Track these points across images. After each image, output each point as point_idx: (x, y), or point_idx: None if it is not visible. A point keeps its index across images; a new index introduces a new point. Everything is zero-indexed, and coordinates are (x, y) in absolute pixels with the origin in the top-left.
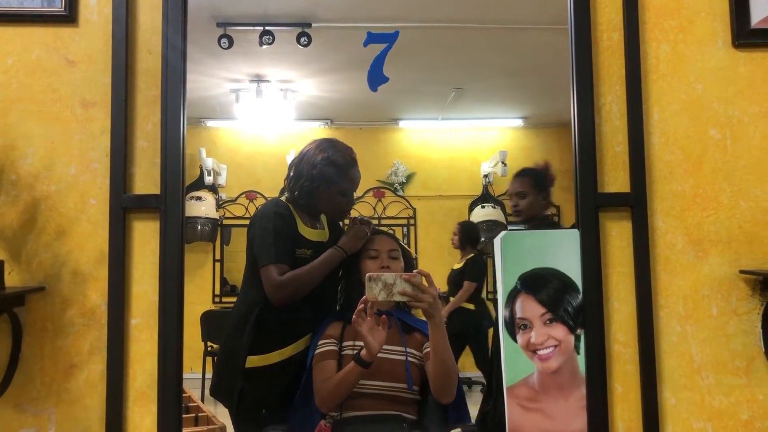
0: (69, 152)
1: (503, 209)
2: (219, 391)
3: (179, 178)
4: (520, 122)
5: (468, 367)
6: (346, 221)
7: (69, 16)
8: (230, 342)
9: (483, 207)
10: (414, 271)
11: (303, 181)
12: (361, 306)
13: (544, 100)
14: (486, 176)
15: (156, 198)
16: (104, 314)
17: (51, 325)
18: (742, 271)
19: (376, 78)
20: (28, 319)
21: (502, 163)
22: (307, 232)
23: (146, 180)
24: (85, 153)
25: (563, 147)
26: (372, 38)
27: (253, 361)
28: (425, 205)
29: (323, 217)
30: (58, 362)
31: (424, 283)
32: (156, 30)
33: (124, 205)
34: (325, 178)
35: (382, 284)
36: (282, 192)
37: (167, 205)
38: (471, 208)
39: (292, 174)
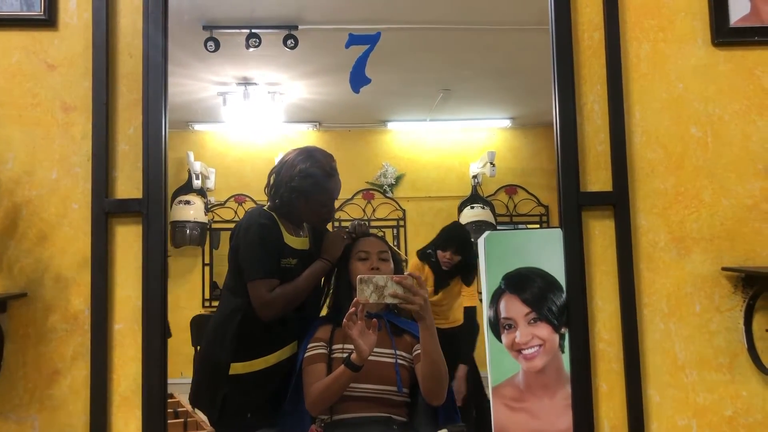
0: (50, 157)
1: (492, 210)
2: (199, 399)
3: (162, 181)
4: (508, 123)
5: None
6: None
7: (48, 20)
8: (211, 349)
9: (472, 208)
10: (405, 273)
11: (282, 191)
12: (352, 309)
13: (531, 101)
14: (475, 177)
15: (138, 202)
16: (87, 319)
17: (33, 331)
18: (724, 269)
19: (358, 79)
20: (9, 326)
21: (491, 163)
22: (291, 240)
23: (128, 184)
24: (66, 157)
25: (551, 146)
26: (354, 40)
27: (237, 368)
28: (414, 207)
29: (306, 224)
30: (40, 368)
31: (415, 285)
32: (137, 33)
33: (107, 210)
34: (303, 189)
35: (373, 286)
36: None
37: (150, 208)
38: (460, 209)
39: (272, 182)
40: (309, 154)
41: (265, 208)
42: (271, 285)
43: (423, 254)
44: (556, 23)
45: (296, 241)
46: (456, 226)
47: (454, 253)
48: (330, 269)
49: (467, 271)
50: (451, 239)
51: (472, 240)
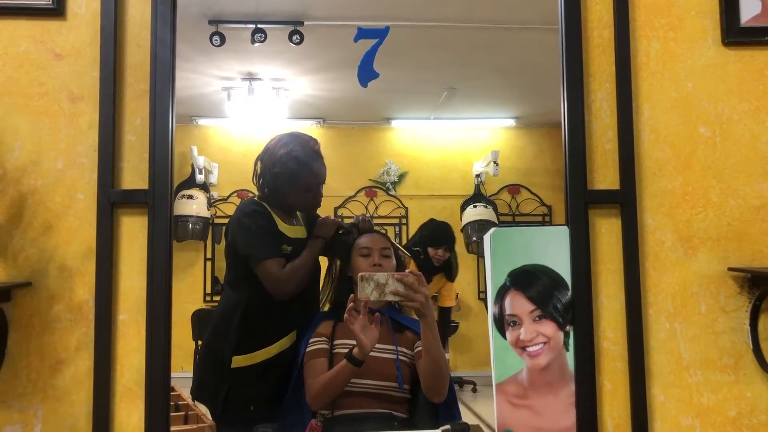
0: (56, 146)
1: (495, 209)
2: (202, 393)
3: (168, 173)
4: (512, 122)
5: (459, 366)
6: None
7: (57, 10)
8: (213, 343)
9: (475, 206)
10: (406, 270)
11: (267, 178)
12: (351, 305)
13: (536, 100)
14: (478, 176)
15: (144, 193)
16: (91, 310)
17: (37, 321)
18: (730, 269)
19: (366, 73)
20: (14, 315)
21: (494, 162)
22: (285, 228)
23: (134, 175)
24: (72, 147)
25: (555, 147)
26: (362, 34)
27: (239, 360)
28: (417, 205)
29: (299, 213)
30: (44, 358)
31: (416, 282)
32: (145, 24)
33: (112, 200)
34: (287, 175)
35: (374, 284)
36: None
37: (155, 200)
38: (463, 208)
39: (259, 171)
40: (292, 137)
41: (255, 198)
42: (281, 263)
43: (410, 251)
44: (566, 20)
45: (291, 230)
46: (443, 224)
47: (445, 250)
48: (325, 245)
49: (450, 267)
50: (443, 237)
51: (474, 239)
